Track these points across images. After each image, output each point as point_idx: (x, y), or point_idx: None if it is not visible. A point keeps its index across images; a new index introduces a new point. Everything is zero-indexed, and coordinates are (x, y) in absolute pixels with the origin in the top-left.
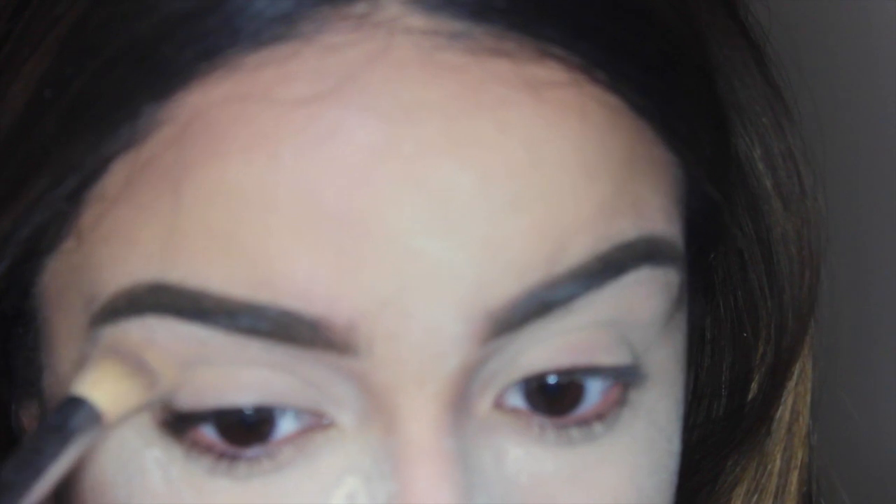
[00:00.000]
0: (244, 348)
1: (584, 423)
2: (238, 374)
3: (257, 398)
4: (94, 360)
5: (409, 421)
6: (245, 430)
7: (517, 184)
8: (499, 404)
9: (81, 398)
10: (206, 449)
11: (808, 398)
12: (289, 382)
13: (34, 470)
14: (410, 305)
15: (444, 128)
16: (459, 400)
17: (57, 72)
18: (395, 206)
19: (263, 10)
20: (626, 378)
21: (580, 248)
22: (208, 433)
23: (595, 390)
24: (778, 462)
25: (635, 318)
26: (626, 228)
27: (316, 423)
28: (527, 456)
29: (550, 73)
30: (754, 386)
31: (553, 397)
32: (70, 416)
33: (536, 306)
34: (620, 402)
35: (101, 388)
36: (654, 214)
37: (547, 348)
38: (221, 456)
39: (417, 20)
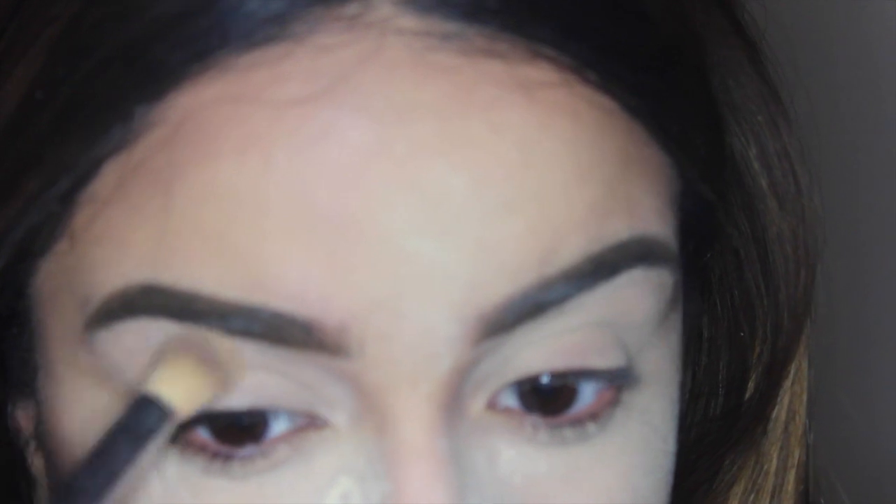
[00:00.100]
0: (238, 350)
1: (578, 422)
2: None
3: (250, 400)
4: (163, 357)
5: (402, 421)
6: (238, 430)
7: (510, 185)
8: (492, 405)
9: (152, 397)
10: (200, 449)
11: (805, 397)
12: (281, 384)
13: (108, 474)
14: (403, 306)
15: (437, 129)
16: (452, 401)
17: (49, 73)
18: (387, 207)
19: (255, 10)
20: (619, 381)
21: (573, 249)
22: (201, 433)
23: (589, 391)
24: (774, 461)
25: (629, 320)
26: (618, 229)
27: (309, 423)
28: (520, 456)
29: (543, 74)
30: (751, 385)
31: (546, 398)
32: (143, 416)
33: (529, 307)
34: (614, 402)
35: (174, 385)
36: (647, 215)
37: (540, 350)
38: (215, 456)
39: (409, 21)
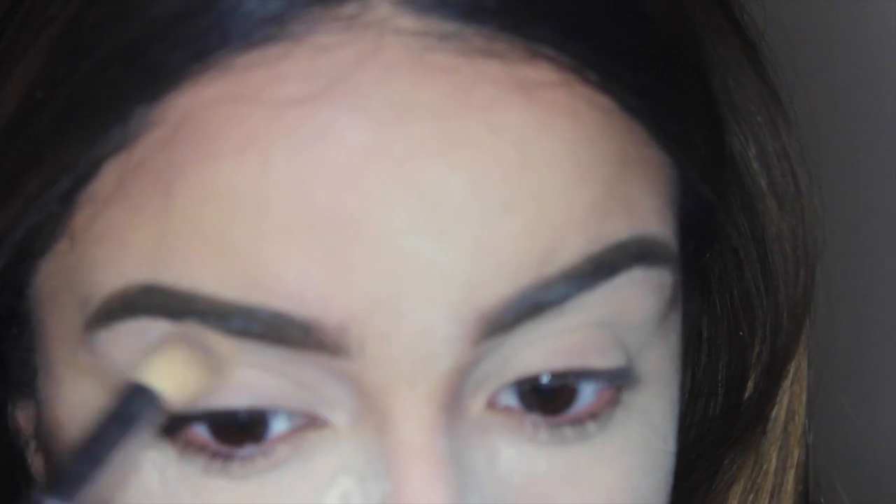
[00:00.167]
0: (237, 350)
1: (578, 422)
2: (232, 375)
3: (249, 400)
4: (157, 347)
5: (401, 421)
6: (238, 430)
7: (508, 185)
8: (492, 404)
9: (143, 385)
10: (200, 449)
11: (804, 397)
12: (281, 384)
13: (97, 460)
14: (402, 306)
15: (435, 129)
16: (452, 400)
17: (49, 73)
18: (385, 207)
19: (254, 10)
20: (619, 381)
21: (572, 249)
22: (201, 433)
23: (589, 391)
24: (774, 461)
25: (628, 320)
26: (618, 229)
27: (309, 423)
28: (520, 456)
29: (541, 74)
30: (750, 385)
31: (546, 398)
32: (133, 403)
33: (528, 307)
34: (614, 402)
35: (165, 375)
36: (647, 215)
37: (540, 350)
38: (215, 455)
39: (408, 21)
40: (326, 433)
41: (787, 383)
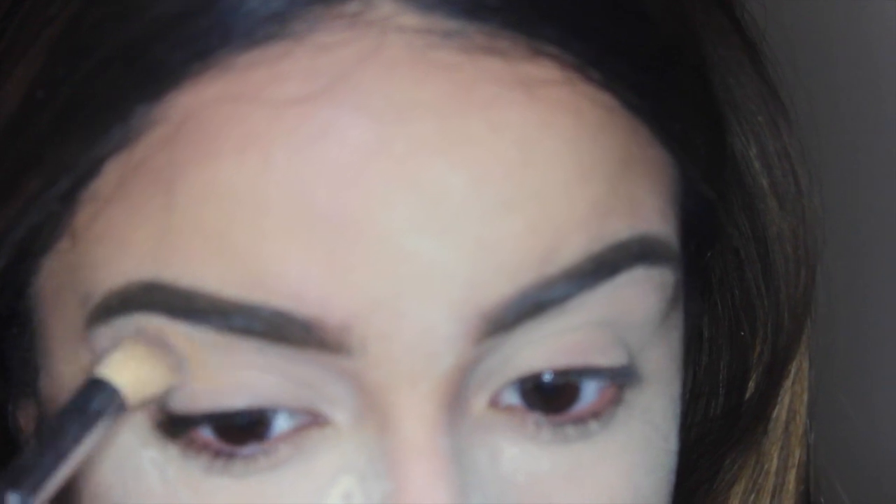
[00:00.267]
0: (236, 349)
1: (580, 420)
2: (230, 376)
3: (250, 400)
4: (118, 343)
5: (403, 420)
6: (241, 429)
7: (510, 183)
8: (494, 403)
9: (104, 380)
10: (202, 448)
11: (805, 397)
12: (282, 384)
13: (56, 453)
14: (403, 305)
15: (437, 127)
16: (454, 399)
17: (49, 72)
18: (387, 206)
19: (255, 9)
20: (621, 379)
21: (574, 247)
22: (204, 433)
23: (591, 389)
24: (775, 461)
25: (630, 319)
26: (619, 228)
27: (311, 421)
28: (523, 454)
29: (544, 72)
30: (751, 384)
31: (549, 396)
32: (92, 398)
33: (530, 306)
34: (616, 400)
35: (124, 370)
36: (649, 214)
37: (542, 349)
38: (217, 454)
39: (410, 19)
40: (328, 432)
41: (788, 383)
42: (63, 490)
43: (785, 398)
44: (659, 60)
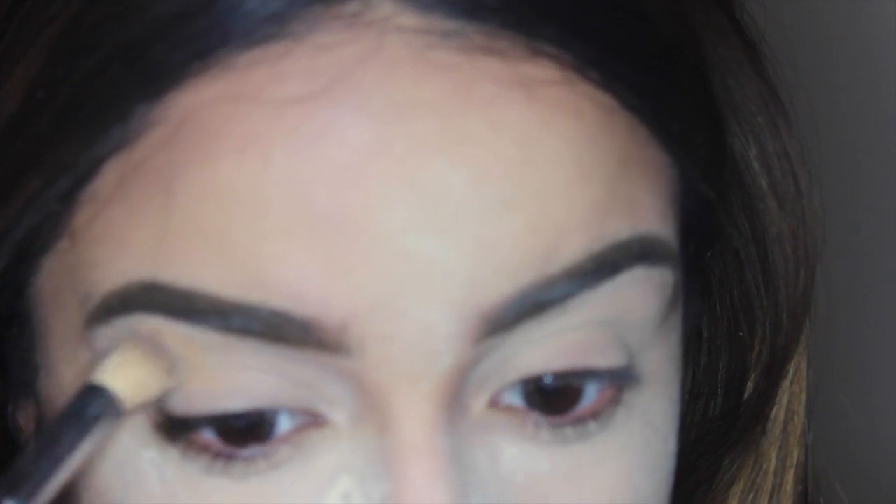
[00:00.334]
0: (235, 350)
1: (579, 421)
2: (229, 377)
3: (249, 402)
4: (114, 348)
5: (402, 420)
6: (242, 432)
7: (510, 183)
8: (494, 403)
9: (100, 385)
10: (202, 449)
11: (804, 397)
12: (280, 385)
13: (53, 459)
14: (403, 305)
15: (437, 126)
16: (453, 399)
17: (49, 72)
18: (386, 206)
19: (255, 9)
20: (621, 380)
21: (573, 247)
22: (205, 434)
23: (591, 390)
24: (773, 461)
25: (630, 319)
26: (619, 228)
27: (310, 421)
28: (522, 455)
29: (543, 72)
30: (750, 385)
31: (550, 398)
32: (88, 403)
33: (529, 306)
34: (615, 401)
35: (120, 375)
36: (648, 214)
37: (542, 349)
38: (217, 456)
39: (409, 19)
40: (327, 432)
41: (786, 383)
42: (63, 490)
43: (783, 398)
44: (658, 60)
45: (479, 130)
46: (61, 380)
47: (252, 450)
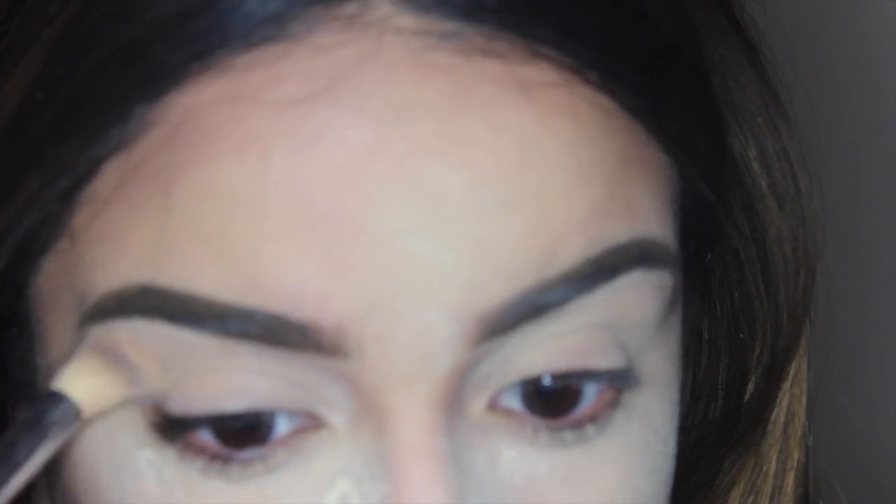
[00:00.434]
0: (233, 352)
1: (577, 424)
2: (227, 379)
3: (247, 403)
4: (74, 356)
5: (400, 422)
6: (240, 433)
7: (508, 184)
8: (493, 406)
9: (59, 393)
10: (200, 450)
11: (804, 399)
12: (278, 387)
13: (10, 464)
14: (401, 307)
15: (435, 128)
16: (452, 401)
17: (49, 73)
18: (385, 207)
19: (254, 10)
20: (620, 382)
21: (572, 250)
22: (203, 436)
23: (590, 392)
24: (774, 463)
25: (629, 321)
26: (618, 231)
27: (309, 423)
28: (520, 457)
29: (542, 74)
30: (750, 386)
31: (550, 400)
32: (47, 410)
33: (528, 309)
34: (613, 403)
35: (79, 383)
36: (647, 216)
37: (541, 351)
38: (215, 457)
39: (408, 20)
40: (325, 434)
41: (787, 385)
42: (64, 491)
43: (784, 400)
44: (658, 60)
45: (478, 132)
46: None
47: (249, 452)
